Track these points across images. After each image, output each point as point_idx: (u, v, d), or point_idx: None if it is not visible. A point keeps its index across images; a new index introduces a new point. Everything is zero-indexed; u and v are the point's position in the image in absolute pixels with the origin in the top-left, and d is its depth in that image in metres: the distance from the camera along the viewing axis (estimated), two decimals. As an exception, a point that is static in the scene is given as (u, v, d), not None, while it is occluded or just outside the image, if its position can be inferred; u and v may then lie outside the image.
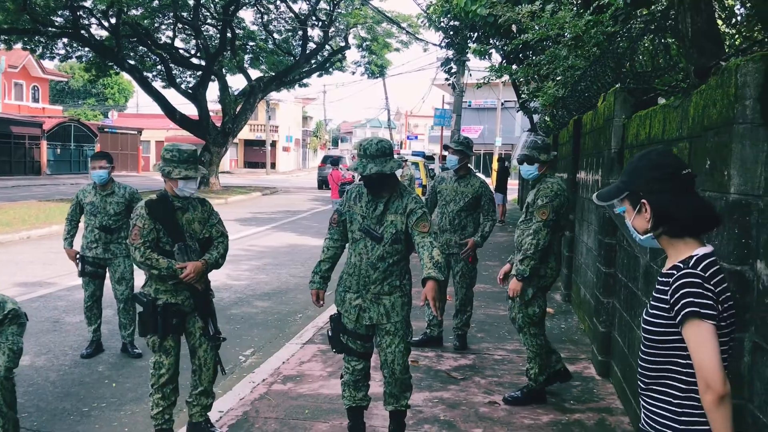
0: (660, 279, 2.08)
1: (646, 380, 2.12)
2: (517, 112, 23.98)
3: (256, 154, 57.44)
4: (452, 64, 21.24)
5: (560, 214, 4.72)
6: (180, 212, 3.95)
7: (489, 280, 9.46)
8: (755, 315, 2.49)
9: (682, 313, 1.96)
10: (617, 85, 5.55)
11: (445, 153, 6.11)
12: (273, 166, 56.95)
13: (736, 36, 5.67)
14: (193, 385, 4.09)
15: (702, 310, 1.93)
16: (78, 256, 5.90)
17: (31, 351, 5.98)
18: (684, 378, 2.01)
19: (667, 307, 2.02)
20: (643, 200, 2.07)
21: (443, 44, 21.69)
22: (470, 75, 22.88)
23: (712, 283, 1.97)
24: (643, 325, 2.12)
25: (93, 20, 25.20)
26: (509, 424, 4.41)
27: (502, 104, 43.56)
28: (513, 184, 25.97)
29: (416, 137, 59.38)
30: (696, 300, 1.94)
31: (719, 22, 5.02)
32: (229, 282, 9.26)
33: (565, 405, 4.82)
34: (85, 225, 5.93)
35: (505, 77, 16.06)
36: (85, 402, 4.89)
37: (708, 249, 2.05)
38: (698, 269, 1.98)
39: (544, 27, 8.23)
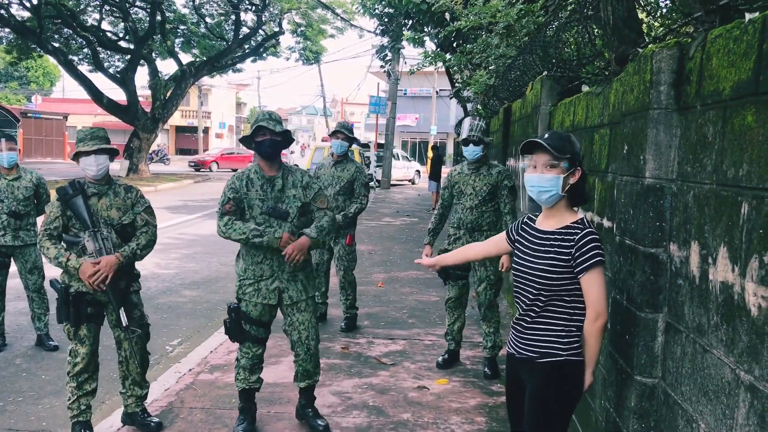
0: (551, 235, 2.59)
1: (532, 317, 2.63)
2: (451, 99, 24.17)
3: (188, 141, 56.16)
4: (387, 52, 21.22)
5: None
6: (95, 198, 3.80)
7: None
8: (668, 296, 2.56)
9: (591, 261, 2.49)
10: (544, 73, 5.63)
11: (335, 139, 6.36)
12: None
13: (659, 27, 5.83)
14: (122, 376, 4.00)
15: (603, 259, 2.51)
16: None
17: (-58, 344, 5.70)
18: (568, 311, 2.58)
19: (566, 257, 2.53)
20: (579, 167, 2.57)
21: (378, 31, 21.64)
22: (405, 63, 22.95)
23: None
24: (533, 274, 2.59)
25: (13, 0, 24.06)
26: (437, 408, 4.45)
27: (437, 92, 43.89)
28: (446, 172, 26.16)
29: (352, 125, 59.16)
30: (600, 251, 2.51)
31: (643, 13, 5.15)
32: (157, 271, 9.04)
33: (492, 388, 4.89)
34: None
35: (440, 65, 16.15)
36: (0, 396, 4.69)
37: (583, 215, 2.67)
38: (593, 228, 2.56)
39: (477, 15, 8.29)
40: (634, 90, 2.82)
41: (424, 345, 5.90)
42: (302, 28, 29.23)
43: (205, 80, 39.61)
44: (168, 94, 27.40)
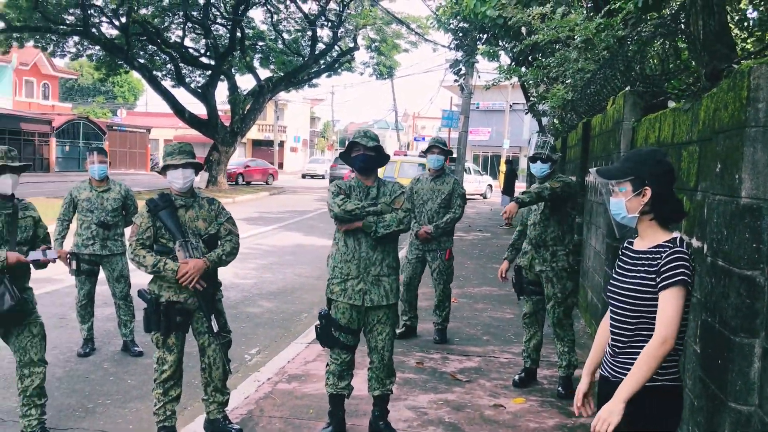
0: (642, 255, 2.51)
1: (625, 339, 2.52)
2: (526, 114, 23.90)
3: (264, 154, 57.38)
4: (461, 66, 21.21)
5: (567, 200, 5.08)
6: (183, 210, 3.98)
7: (495, 282, 9.44)
8: (765, 321, 2.46)
9: (672, 279, 2.38)
10: (627, 88, 5.52)
11: (431, 154, 6.51)
12: (281, 166, 57.01)
13: (748, 40, 5.63)
14: (204, 382, 4.12)
15: (688, 279, 2.38)
16: (70, 254, 5.85)
17: (38, 347, 5.99)
18: (650, 333, 2.42)
19: (652, 276, 2.43)
20: (646, 186, 2.47)
21: (452, 46, 21.65)
22: (479, 77, 22.88)
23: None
24: (622, 293, 2.51)
25: (104, 18, 25.27)
26: (514, 427, 4.39)
27: (511, 106, 43.50)
28: (520, 187, 25.83)
29: (423, 138, 59.17)
30: (686, 271, 2.38)
31: (731, 26, 4.99)
32: (236, 281, 9.27)
33: (570, 409, 4.78)
34: (80, 222, 5.84)
35: (514, 79, 16.03)
36: (90, 398, 4.90)
37: (679, 235, 2.51)
38: (685, 248, 2.43)
39: (554, 29, 8.20)
40: (728, 107, 2.74)
41: (499, 363, 5.84)
42: (376, 44, 29.55)
43: (282, 95, 40.49)
44: (246, 109, 28.15)
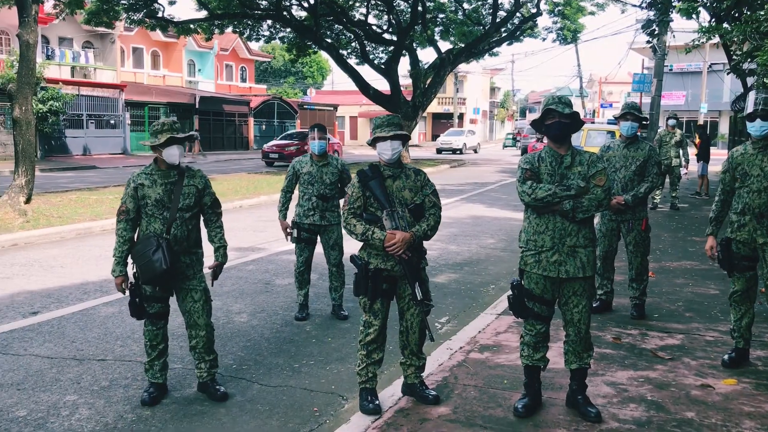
0: None
1: None
2: (728, 74, 21.93)
3: (444, 127, 57.82)
4: (654, 26, 19.88)
5: None
6: (390, 180, 4.10)
7: (696, 256, 8.83)
8: None
9: None
10: None
11: (624, 120, 6.24)
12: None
13: None
14: (402, 345, 4.26)
15: None
16: (292, 224, 6.28)
17: (248, 310, 6.54)
18: None
19: None
20: None
21: (644, 5, 20.33)
22: (673, 36, 21.32)
23: None
24: None
25: (294, 1, 26.63)
26: (726, 410, 4.09)
27: (709, 67, 40.09)
28: (719, 154, 23.70)
29: (610, 105, 56.38)
30: None
31: None
32: (423, 251, 9.43)
33: (792, 394, 4.37)
34: (301, 194, 6.23)
35: (715, 38, 14.74)
36: (295, 359, 5.26)
37: None
38: None
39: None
40: None
41: (705, 341, 5.45)
42: (560, 7, 28.41)
43: (461, 67, 40.35)
44: (427, 83, 28.41)
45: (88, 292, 7.09)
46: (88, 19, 22.04)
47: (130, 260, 4.33)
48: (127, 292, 4.31)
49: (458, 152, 41.63)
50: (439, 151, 42.12)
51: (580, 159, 3.97)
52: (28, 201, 12.23)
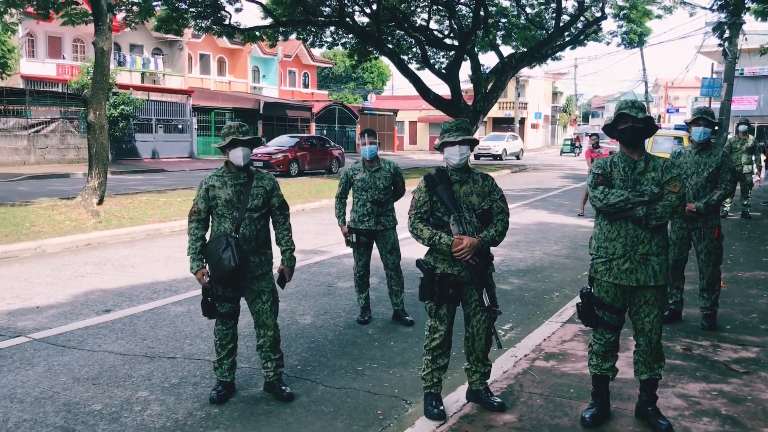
0: None
1: None
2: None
3: (504, 132, 57.29)
4: (725, 28, 19.28)
5: None
6: (458, 185, 4.08)
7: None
8: None
9: None
10: None
11: (696, 126, 6.06)
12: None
13: None
14: (467, 351, 4.23)
15: None
16: (349, 229, 6.33)
17: (311, 311, 6.62)
18: None
19: None
20: None
21: (715, 7, 19.74)
22: (746, 39, 20.60)
23: None
24: None
25: (356, 8, 26.86)
26: (806, 428, 3.93)
27: (784, 71, 38.56)
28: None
29: (677, 110, 54.77)
30: None
31: None
32: (485, 257, 9.37)
33: None
34: (355, 200, 6.27)
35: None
36: (358, 361, 5.29)
37: None
38: None
39: None
40: None
41: (782, 355, 5.24)
42: (625, 11, 27.78)
43: (523, 71, 39.97)
44: (489, 87, 28.21)
45: (157, 291, 7.30)
46: (159, 26, 22.71)
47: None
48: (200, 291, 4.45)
49: (498, 158, 38.16)
50: (477, 156, 38.11)
51: (653, 165, 3.89)
52: (100, 202, 12.68)
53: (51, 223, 11.09)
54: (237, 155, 4.38)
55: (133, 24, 17.44)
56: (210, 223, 4.52)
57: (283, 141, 26.58)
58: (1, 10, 15.43)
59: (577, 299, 4.06)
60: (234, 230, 4.36)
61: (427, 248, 4.14)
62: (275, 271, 4.62)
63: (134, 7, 16.44)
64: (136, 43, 36.79)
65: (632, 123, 3.84)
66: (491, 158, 38.39)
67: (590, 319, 3.98)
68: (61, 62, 32.54)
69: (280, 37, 27.92)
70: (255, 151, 18.99)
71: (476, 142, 4.19)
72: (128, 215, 12.40)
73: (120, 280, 7.86)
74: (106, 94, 14.01)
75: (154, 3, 20.52)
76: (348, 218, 6.37)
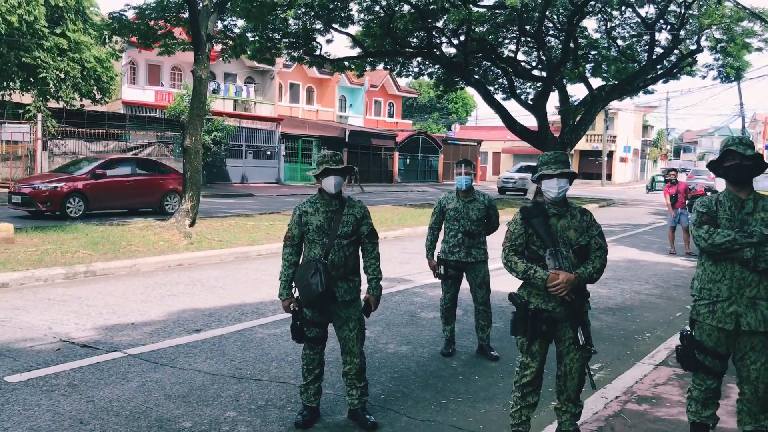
0: None
1: None
2: None
3: (591, 165, 56.04)
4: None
5: None
6: (555, 219, 4.00)
7: None
8: None
9: None
10: None
11: None
12: (608, 177, 55.09)
13: None
14: (558, 390, 4.10)
15: None
16: (438, 260, 6.28)
17: (395, 340, 6.60)
18: None
19: None
20: None
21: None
22: None
23: None
24: None
25: (443, 39, 27.09)
26: None
27: None
28: None
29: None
30: None
31: None
32: (571, 293, 9.13)
33: None
34: (447, 230, 6.20)
35: None
36: (442, 394, 5.22)
37: None
38: None
39: None
40: None
41: None
42: (722, 44, 26.86)
43: (612, 104, 39.11)
44: (577, 119, 27.77)
45: (245, 313, 7.46)
46: (252, 56, 23.59)
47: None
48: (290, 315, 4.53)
49: (521, 193, 32.74)
50: (501, 191, 34.52)
51: (763, 204, 3.71)
52: (192, 224, 13.16)
53: (146, 243, 11.58)
54: (329, 183, 4.46)
55: (227, 57, 18.23)
56: (303, 249, 4.60)
57: (77, 166, 17.76)
58: (106, 37, 16.42)
59: (674, 341, 3.88)
60: (323, 256, 4.43)
61: (521, 282, 4.07)
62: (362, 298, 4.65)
63: (230, 42, 17.19)
64: (230, 72, 38.31)
65: (740, 160, 3.69)
66: (516, 193, 34.11)
67: (690, 363, 3.82)
68: (160, 89, 34.27)
69: (368, 68, 28.43)
70: (17, 184, 15.96)
71: (576, 175, 4.10)
72: (218, 237, 12.79)
73: (210, 300, 8.09)
74: (202, 121, 14.58)
75: (248, 34, 21.38)
76: (438, 249, 6.33)
